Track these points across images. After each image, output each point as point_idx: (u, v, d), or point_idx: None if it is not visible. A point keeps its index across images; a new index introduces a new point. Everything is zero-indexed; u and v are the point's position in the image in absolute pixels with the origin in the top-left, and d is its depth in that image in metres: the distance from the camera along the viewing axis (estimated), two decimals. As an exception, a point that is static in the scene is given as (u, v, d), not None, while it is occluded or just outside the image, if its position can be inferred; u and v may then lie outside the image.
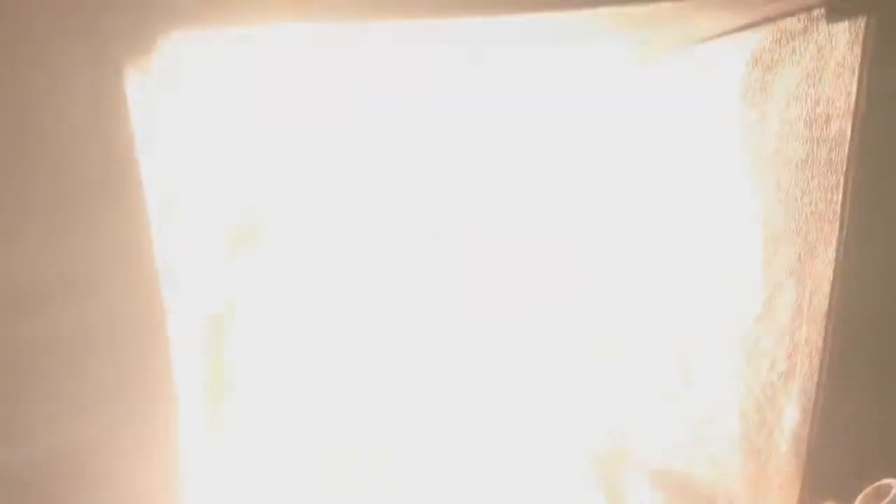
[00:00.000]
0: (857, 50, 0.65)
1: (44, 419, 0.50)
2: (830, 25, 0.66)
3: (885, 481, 0.70)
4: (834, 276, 0.72)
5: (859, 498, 0.69)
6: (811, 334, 0.75)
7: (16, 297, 0.48)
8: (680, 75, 0.76)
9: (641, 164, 0.80)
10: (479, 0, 0.54)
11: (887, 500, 0.68)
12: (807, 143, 0.70)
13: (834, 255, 0.72)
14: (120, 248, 0.49)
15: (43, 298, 0.48)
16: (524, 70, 0.77)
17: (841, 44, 0.66)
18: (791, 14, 0.67)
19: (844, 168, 0.68)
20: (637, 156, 0.81)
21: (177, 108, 0.58)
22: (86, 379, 0.50)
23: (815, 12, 0.66)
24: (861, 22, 0.64)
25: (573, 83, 0.82)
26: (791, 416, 0.77)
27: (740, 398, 0.80)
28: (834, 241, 0.72)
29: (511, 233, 0.88)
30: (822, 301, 0.73)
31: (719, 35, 0.72)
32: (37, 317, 0.48)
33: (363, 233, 0.85)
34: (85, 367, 0.50)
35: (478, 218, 0.87)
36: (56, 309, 0.49)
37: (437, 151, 0.84)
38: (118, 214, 0.48)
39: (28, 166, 0.46)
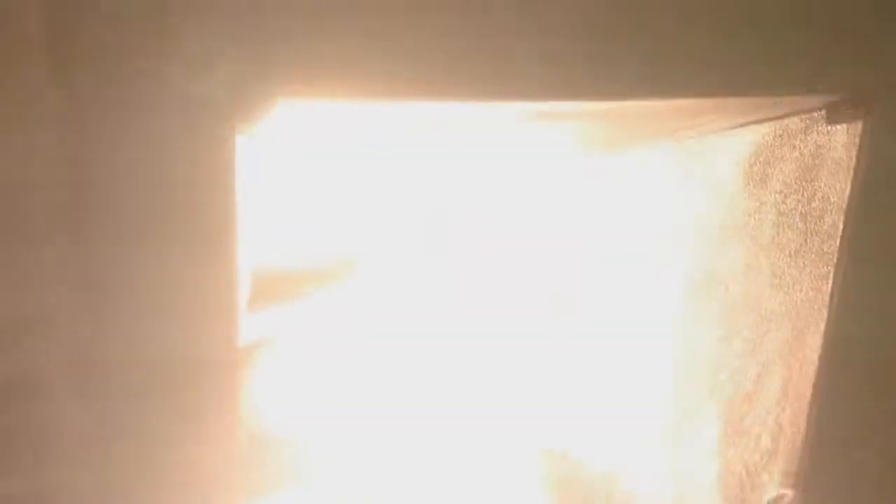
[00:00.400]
0: (854, 151, 0.70)
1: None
2: (830, 127, 0.71)
3: (782, 492, 0.72)
4: (820, 362, 0.76)
5: None
6: (796, 416, 0.79)
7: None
8: (681, 161, 0.81)
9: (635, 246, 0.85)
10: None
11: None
12: (801, 234, 0.75)
13: (821, 341, 0.77)
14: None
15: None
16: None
17: (839, 144, 0.71)
18: (794, 114, 0.73)
19: (835, 260, 0.73)
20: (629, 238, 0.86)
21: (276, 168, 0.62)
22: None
23: (816, 114, 0.72)
24: (858, 126, 0.70)
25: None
26: (772, 494, 0.80)
27: (723, 475, 0.83)
28: (822, 328, 0.76)
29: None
30: (807, 385, 0.77)
31: (725, 129, 0.77)
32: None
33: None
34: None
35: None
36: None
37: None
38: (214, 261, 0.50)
39: (135, 220, 0.48)
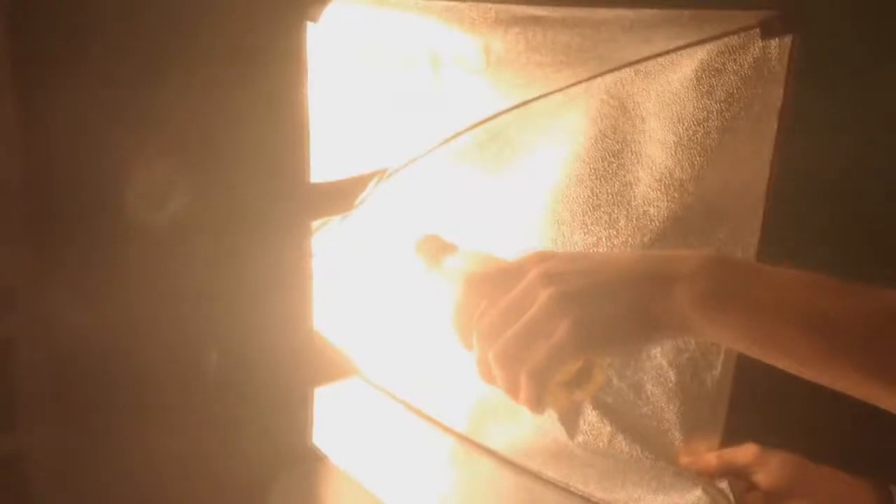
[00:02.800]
0: (785, 61, 0.83)
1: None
2: (764, 42, 0.84)
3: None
4: (758, 250, 0.89)
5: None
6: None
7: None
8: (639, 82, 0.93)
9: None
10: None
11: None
12: (743, 137, 0.87)
13: (758, 238, 0.89)
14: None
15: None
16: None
17: (772, 56, 0.83)
18: (734, 33, 0.85)
19: (770, 158, 0.86)
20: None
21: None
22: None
23: (753, 32, 0.84)
24: (788, 40, 0.83)
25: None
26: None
27: (676, 355, 0.94)
28: (759, 221, 0.89)
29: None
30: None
31: (674, 50, 0.90)
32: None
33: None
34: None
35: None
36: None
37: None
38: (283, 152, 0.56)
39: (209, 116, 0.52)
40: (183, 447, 0.58)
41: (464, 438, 0.98)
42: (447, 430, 0.98)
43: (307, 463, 0.59)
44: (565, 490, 0.92)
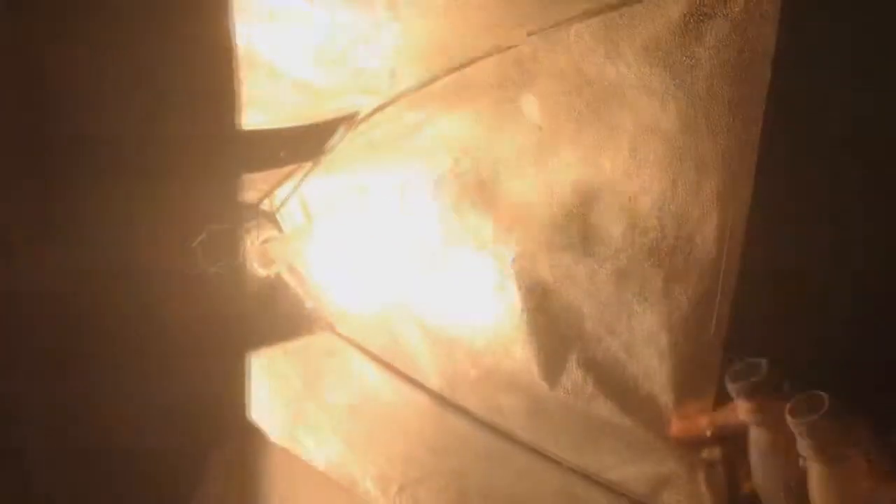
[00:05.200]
0: (778, 4, 0.78)
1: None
2: (756, -17, 0.79)
3: (815, 392, 0.79)
4: (752, 202, 0.85)
5: (788, 406, 0.78)
6: (731, 260, 0.87)
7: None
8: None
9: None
10: None
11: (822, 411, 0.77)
12: (733, 83, 0.82)
13: (750, 190, 0.85)
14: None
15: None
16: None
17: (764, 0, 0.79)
18: (723, -26, 0.80)
19: (763, 106, 0.81)
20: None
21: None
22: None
23: (744, -27, 0.79)
24: (781, -20, 0.77)
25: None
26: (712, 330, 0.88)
27: (669, 314, 0.91)
28: (752, 172, 0.84)
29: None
30: (742, 227, 0.86)
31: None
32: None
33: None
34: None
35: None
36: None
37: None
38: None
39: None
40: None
41: (436, 396, 0.96)
42: (419, 386, 0.96)
43: (241, 439, 0.57)
44: (536, 451, 0.90)
